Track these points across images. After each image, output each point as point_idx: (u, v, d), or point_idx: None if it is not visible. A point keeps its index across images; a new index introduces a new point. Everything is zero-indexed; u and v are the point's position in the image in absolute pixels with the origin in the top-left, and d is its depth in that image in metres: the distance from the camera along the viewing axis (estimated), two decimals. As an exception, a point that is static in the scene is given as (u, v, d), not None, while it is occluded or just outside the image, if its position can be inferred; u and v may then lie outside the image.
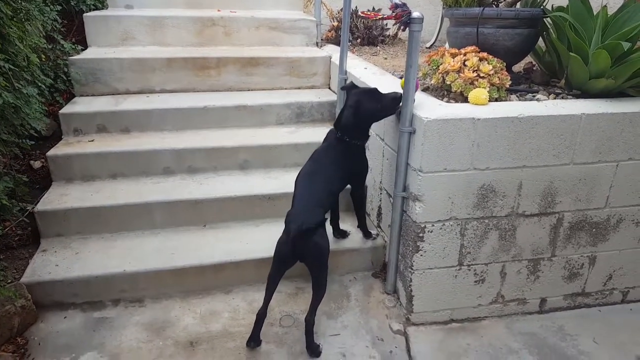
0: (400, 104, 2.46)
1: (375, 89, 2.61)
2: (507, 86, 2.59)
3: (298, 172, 2.63)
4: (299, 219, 2.30)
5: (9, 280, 2.56)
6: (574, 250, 2.76)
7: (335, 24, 4.82)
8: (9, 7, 2.28)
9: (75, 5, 4.14)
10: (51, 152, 3.18)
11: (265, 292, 2.42)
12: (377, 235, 3.03)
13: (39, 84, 2.91)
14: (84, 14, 4.13)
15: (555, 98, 2.68)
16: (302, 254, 2.36)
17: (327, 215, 2.74)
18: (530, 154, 2.45)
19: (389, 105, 2.56)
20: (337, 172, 2.60)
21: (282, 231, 2.42)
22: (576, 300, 2.91)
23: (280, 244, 2.39)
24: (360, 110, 2.54)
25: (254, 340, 2.45)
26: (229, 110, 3.68)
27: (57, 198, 3.00)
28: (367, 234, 3.01)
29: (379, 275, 2.98)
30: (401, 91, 2.47)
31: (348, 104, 2.58)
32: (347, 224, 3.10)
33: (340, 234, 3.03)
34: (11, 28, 2.32)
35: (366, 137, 2.68)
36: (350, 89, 2.65)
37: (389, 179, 2.80)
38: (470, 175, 2.44)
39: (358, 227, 3.03)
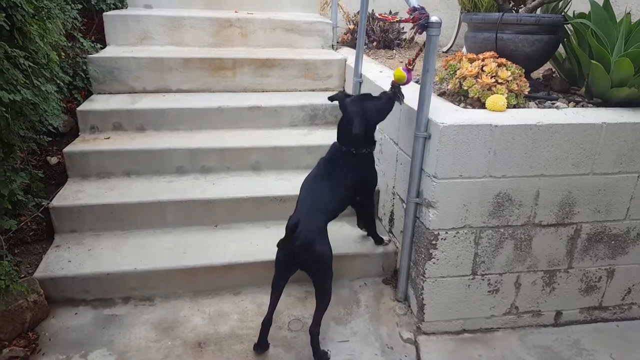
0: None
1: (369, 95, 2.60)
2: (526, 93, 2.55)
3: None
4: (300, 226, 2.21)
5: (22, 275, 2.58)
6: (591, 263, 2.70)
7: (352, 27, 4.80)
8: (30, 5, 2.30)
9: (95, 4, 4.18)
10: (68, 149, 3.21)
11: (270, 299, 2.40)
12: (389, 241, 3.00)
13: (58, 82, 2.94)
14: (104, 13, 4.18)
15: (575, 106, 2.63)
16: (303, 262, 2.31)
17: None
18: (549, 162, 2.40)
19: (387, 107, 2.57)
20: (345, 181, 2.55)
21: None
22: (593, 314, 2.84)
23: (280, 251, 2.34)
24: (366, 120, 2.50)
25: (261, 346, 2.44)
26: (243, 111, 3.68)
27: (72, 194, 3.02)
28: (379, 240, 2.97)
29: (389, 281, 2.95)
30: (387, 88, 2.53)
31: (350, 117, 2.48)
32: (349, 226, 3.08)
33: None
34: (32, 26, 2.34)
35: (373, 143, 2.64)
36: (342, 99, 2.59)
37: (402, 184, 2.76)
38: (486, 183, 2.39)
39: (368, 235, 3.00)
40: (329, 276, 2.38)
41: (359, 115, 2.46)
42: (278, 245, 2.28)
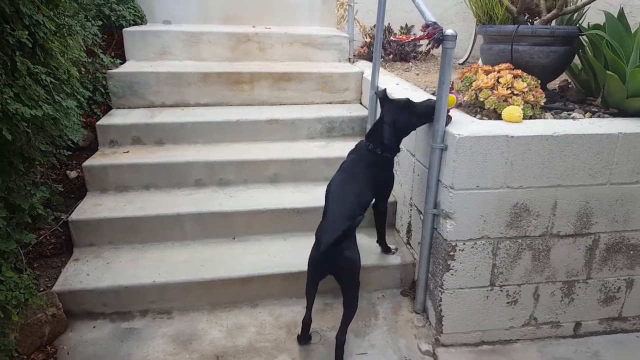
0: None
1: (408, 100, 2.58)
2: (542, 104, 2.55)
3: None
4: (328, 232, 2.30)
5: (41, 289, 2.61)
6: (610, 273, 2.67)
7: (368, 40, 4.84)
8: (52, 22, 2.36)
9: (115, 20, 4.26)
10: (87, 163, 3.26)
11: (306, 300, 2.49)
12: (397, 249, 2.99)
13: (78, 97, 2.99)
14: (124, 29, 4.26)
15: (591, 116, 2.62)
16: (333, 268, 2.35)
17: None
18: (565, 173, 2.40)
19: (425, 114, 2.51)
20: (367, 184, 2.57)
21: (310, 245, 2.43)
22: (612, 325, 2.80)
23: (312, 257, 2.41)
24: (397, 126, 2.53)
25: (304, 339, 2.55)
26: (260, 124, 3.72)
27: (91, 208, 3.06)
28: (386, 249, 2.98)
29: (407, 293, 2.94)
30: (435, 98, 2.43)
31: (385, 119, 2.54)
32: (367, 238, 3.07)
33: (385, 250, 3.01)
34: (54, 43, 2.39)
35: (397, 150, 2.66)
36: (383, 98, 2.62)
37: (419, 195, 2.77)
38: (503, 194, 2.39)
39: (377, 242, 2.99)
40: (358, 283, 2.41)
41: (390, 124, 2.51)
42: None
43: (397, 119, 2.53)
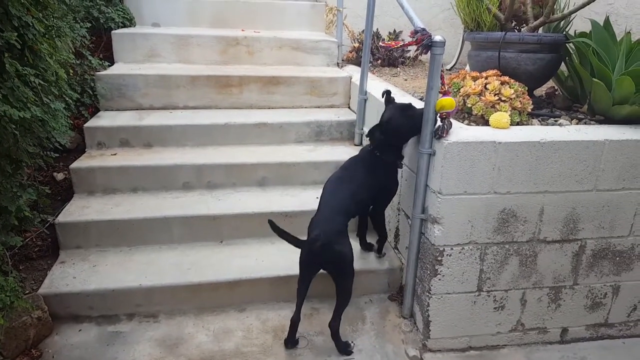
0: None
1: (409, 104, 2.59)
2: (529, 110, 2.58)
3: (317, 189, 2.63)
4: (319, 226, 2.34)
5: (27, 291, 2.58)
6: (596, 279, 2.69)
7: (356, 45, 4.86)
8: (41, 24, 2.34)
9: (104, 22, 4.24)
10: (74, 165, 3.23)
11: (297, 298, 2.49)
12: (384, 254, 3.00)
13: (66, 98, 2.97)
14: (112, 31, 4.23)
15: (577, 123, 2.65)
16: (324, 262, 2.39)
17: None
18: (552, 179, 2.42)
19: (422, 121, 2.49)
20: (364, 184, 2.58)
21: (298, 250, 2.45)
22: (599, 331, 2.83)
23: (303, 252, 2.43)
24: (392, 126, 2.54)
25: (290, 342, 2.54)
26: (249, 128, 3.71)
27: (78, 210, 3.04)
28: (379, 250, 3.00)
29: (395, 298, 2.94)
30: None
31: (382, 118, 2.58)
32: (354, 242, 3.08)
33: (367, 247, 3.04)
34: (42, 44, 2.38)
35: (399, 155, 2.66)
36: (387, 100, 2.65)
37: (407, 200, 2.78)
38: (491, 199, 2.41)
39: (377, 242, 3.00)
40: (350, 275, 2.46)
41: (385, 122, 2.55)
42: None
43: (393, 118, 2.54)
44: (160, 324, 2.68)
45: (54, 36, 2.69)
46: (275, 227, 2.39)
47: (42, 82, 2.38)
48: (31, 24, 2.20)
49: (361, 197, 2.59)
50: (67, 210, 3.04)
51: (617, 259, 2.67)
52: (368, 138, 2.66)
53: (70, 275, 2.73)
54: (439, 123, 2.39)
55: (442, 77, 2.37)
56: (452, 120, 2.39)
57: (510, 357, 2.66)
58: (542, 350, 2.74)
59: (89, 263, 2.86)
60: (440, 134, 2.34)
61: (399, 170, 2.74)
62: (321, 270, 2.48)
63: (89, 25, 3.93)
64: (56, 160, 3.31)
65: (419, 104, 2.63)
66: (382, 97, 2.67)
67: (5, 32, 2.04)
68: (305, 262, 2.45)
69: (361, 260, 2.97)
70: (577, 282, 2.68)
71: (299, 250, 2.46)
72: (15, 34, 2.09)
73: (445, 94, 2.40)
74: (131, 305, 2.72)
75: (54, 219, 2.93)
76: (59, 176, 3.34)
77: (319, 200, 2.57)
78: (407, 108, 2.57)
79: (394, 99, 2.66)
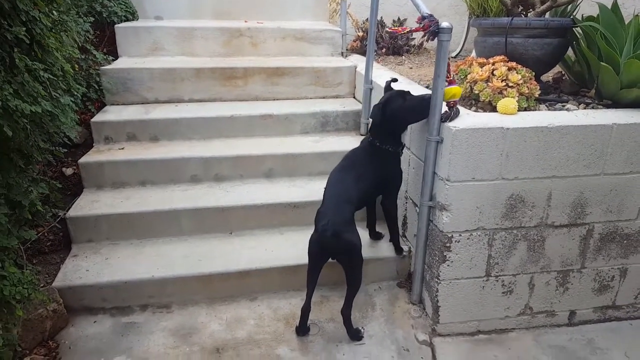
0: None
1: (405, 91, 2.60)
2: (536, 96, 2.58)
3: (323, 179, 2.65)
4: (326, 217, 2.36)
5: (42, 285, 2.62)
6: (604, 262, 2.71)
7: (361, 34, 4.85)
8: (48, 19, 2.35)
9: (107, 16, 4.24)
10: (83, 160, 3.26)
11: (307, 288, 2.52)
12: (406, 255, 2.97)
13: (74, 92, 2.99)
14: (116, 25, 4.24)
15: (585, 108, 2.65)
16: (332, 251, 2.42)
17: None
18: (560, 164, 2.43)
19: (418, 107, 2.52)
20: (366, 172, 2.60)
21: (306, 239, 2.47)
22: (606, 313, 2.85)
23: (311, 242, 2.46)
24: (386, 111, 2.55)
25: (302, 330, 2.57)
26: (255, 120, 3.72)
27: (88, 204, 3.06)
28: (398, 250, 2.97)
29: (404, 284, 2.97)
30: (430, 92, 2.44)
31: (379, 101, 2.60)
32: (362, 231, 3.10)
33: (375, 236, 3.06)
34: (50, 39, 2.39)
35: (398, 143, 2.66)
36: (387, 87, 2.69)
37: (414, 188, 2.79)
38: (499, 185, 2.42)
39: (390, 240, 2.99)
40: (359, 263, 2.49)
41: (380, 106, 2.56)
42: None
43: (388, 103, 2.56)
44: (173, 314, 2.72)
45: (60, 31, 2.70)
46: None
47: (51, 77, 2.40)
48: (38, 19, 2.20)
49: (365, 187, 2.60)
50: (77, 204, 3.07)
51: (625, 242, 2.68)
52: (371, 130, 2.68)
53: (83, 268, 2.77)
54: (445, 109, 2.41)
55: (448, 66, 2.38)
56: (458, 107, 2.41)
57: (519, 340, 2.69)
58: (550, 332, 2.76)
59: (101, 256, 2.89)
60: (446, 119, 2.36)
61: (401, 159, 2.74)
62: (330, 260, 2.50)
63: (92, 19, 3.94)
64: (65, 155, 3.32)
65: (425, 92, 2.63)
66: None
67: (14, 26, 2.05)
68: (314, 252, 2.47)
69: (370, 249, 2.99)
70: (584, 266, 2.70)
71: (307, 241, 2.47)
72: (24, 28, 2.10)
73: (450, 82, 2.39)
74: (144, 297, 2.75)
75: (65, 214, 2.96)
76: (68, 171, 3.36)
77: (324, 190, 2.59)
78: (404, 93, 2.59)
79: (391, 88, 2.69)
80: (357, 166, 2.62)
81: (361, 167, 2.61)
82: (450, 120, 2.36)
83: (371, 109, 2.67)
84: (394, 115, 2.56)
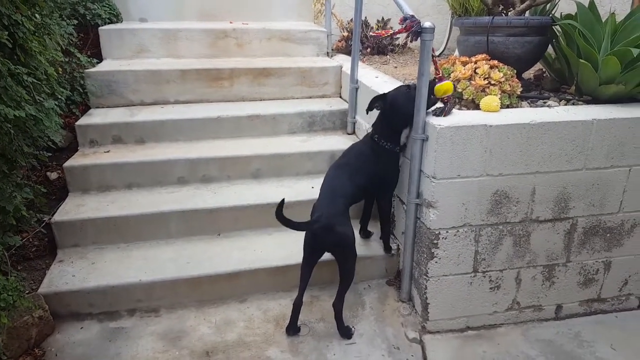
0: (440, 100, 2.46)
1: (411, 84, 2.62)
2: (518, 93, 2.61)
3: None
4: (320, 209, 2.39)
5: (27, 291, 2.58)
6: (588, 256, 2.75)
7: (346, 34, 4.87)
8: (31, 22, 2.34)
9: (90, 19, 4.21)
10: (68, 163, 3.22)
11: (300, 282, 2.52)
12: (395, 253, 2.99)
13: (58, 96, 2.97)
14: (99, 28, 4.21)
15: (566, 104, 2.69)
16: (327, 243, 2.44)
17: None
18: (543, 159, 2.46)
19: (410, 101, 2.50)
20: (362, 167, 2.62)
21: (295, 240, 2.50)
22: (592, 306, 2.89)
23: (306, 235, 2.48)
24: (388, 98, 2.60)
25: (292, 329, 2.57)
26: (241, 120, 3.72)
27: (74, 208, 3.04)
28: (387, 248, 2.98)
29: (393, 282, 2.98)
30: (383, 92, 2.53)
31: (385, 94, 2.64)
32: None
33: (365, 235, 3.08)
34: (33, 43, 2.37)
35: (397, 142, 2.67)
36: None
37: (401, 186, 2.81)
38: (484, 182, 2.45)
39: (381, 238, 3.02)
40: (353, 256, 2.52)
41: (383, 94, 2.62)
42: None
43: (392, 92, 2.61)
44: (162, 318, 2.70)
45: (43, 34, 2.68)
46: (281, 216, 2.35)
47: (34, 81, 2.38)
48: (21, 22, 2.19)
49: (360, 181, 2.62)
50: (62, 209, 3.04)
51: (608, 235, 2.73)
52: (373, 126, 2.71)
53: (69, 274, 2.74)
54: (440, 105, 2.46)
55: (435, 63, 2.40)
56: (443, 104, 2.44)
57: (507, 335, 2.72)
58: (537, 327, 2.80)
59: (87, 261, 2.86)
60: (441, 114, 2.41)
61: (400, 159, 2.77)
62: (322, 257, 2.51)
63: (75, 22, 3.91)
64: (49, 160, 3.30)
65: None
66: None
67: (-5, 31, 2.04)
68: (308, 245, 2.48)
69: (359, 247, 2.97)
70: (569, 260, 2.74)
71: (296, 241, 2.49)
72: (6, 32, 2.09)
73: (440, 79, 2.43)
74: (132, 301, 2.73)
75: (50, 218, 2.93)
76: (53, 175, 3.33)
77: (321, 186, 2.62)
78: (409, 85, 2.62)
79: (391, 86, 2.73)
80: (354, 161, 2.65)
81: (358, 163, 2.64)
82: (445, 115, 2.41)
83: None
84: (397, 107, 2.58)
